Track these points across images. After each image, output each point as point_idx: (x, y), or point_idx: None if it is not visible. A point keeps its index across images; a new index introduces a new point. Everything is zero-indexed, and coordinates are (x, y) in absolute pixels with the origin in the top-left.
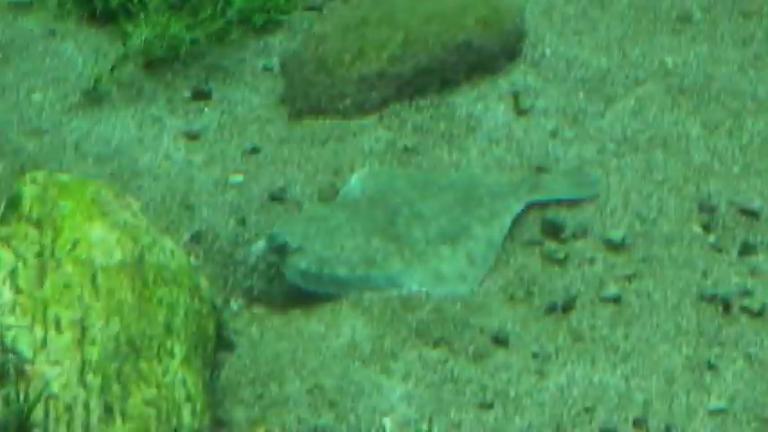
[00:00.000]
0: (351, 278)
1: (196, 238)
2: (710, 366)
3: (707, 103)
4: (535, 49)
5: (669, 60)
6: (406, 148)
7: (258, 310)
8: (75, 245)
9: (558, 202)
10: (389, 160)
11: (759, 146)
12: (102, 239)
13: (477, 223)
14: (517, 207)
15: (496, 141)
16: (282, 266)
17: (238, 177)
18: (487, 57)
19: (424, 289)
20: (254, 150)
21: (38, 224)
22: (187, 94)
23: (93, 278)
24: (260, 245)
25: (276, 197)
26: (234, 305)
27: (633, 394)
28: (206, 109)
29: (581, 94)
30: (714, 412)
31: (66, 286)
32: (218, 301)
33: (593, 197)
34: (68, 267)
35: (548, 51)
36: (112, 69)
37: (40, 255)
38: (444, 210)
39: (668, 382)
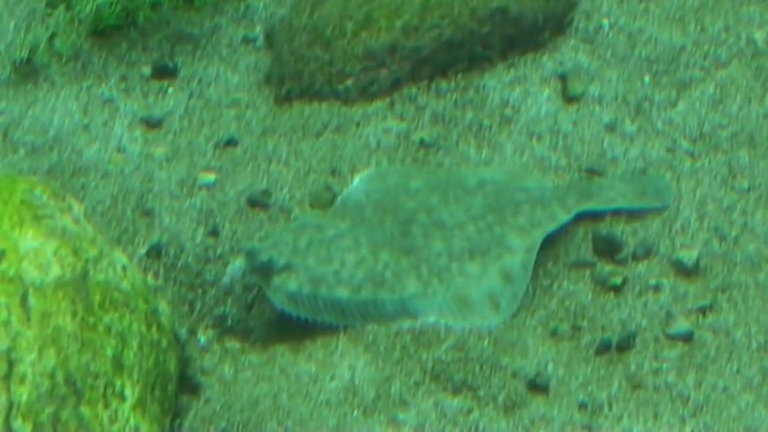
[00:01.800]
0: (353, 302)
1: (155, 251)
2: None
3: None
4: (589, 19)
5: (759, 37)
6: (422, 143)
7: (232, 343)
8: (0, 257)
9: (616, 213)
10: (402, 158)
11: None
12: (35, 251)
13: (513, 234)
14: (564, 217)
15: (538, 136)
16: (266, 289)
17: (210, 177)
18: (529, 28)
19: (443, 321)
20: (231, 143)
21: None
22: (146, 70)
23: (24, 299)
24: (237, 264)
25: (257, 202)
26: (202, 338)
27: None
28: (170, 89)
29: (646, 79)
30: None
31: None
32: (183, 332)
33: (660, 208)
34: None
35: (605, 23)
36: (51, 37)
37: None
38: (472, 217)
39: None
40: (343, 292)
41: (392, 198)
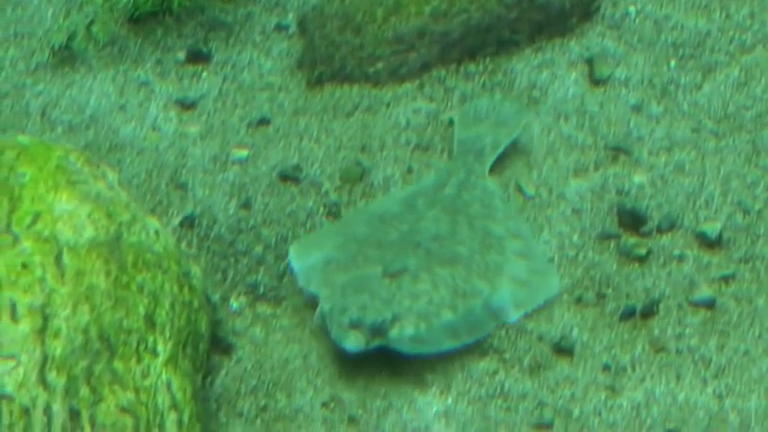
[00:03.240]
0: (460, 320)
1: (189, 222)
2: None
3: None
4: (616, 7)
5: None
6: (451, 123)
7: (264, 309)
8: (36, 218)
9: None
10: (430, 136)
11: None
12: (69, 213)
13: (491, 223)
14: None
15: (565, 116)
16: (388, 343)
17: (243, 152)
18: (556, 14)
19: (522, 311)
20: (263, 122)
21: None
22: (181, 55)
23: (58, 258)
24: (355, 338)
25: (288, 176)
26: (234, 304)
27: (728, 416)
28: (204, 74)
29: (672, 63)
30: None
31: (25, 266)
32: (215, 298)
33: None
34: (27, 244)
35: (631, 9)
36: (89, 24)
37: None
38: (450, 224)
39: None
40: (448, 315)
41: (375, 231)
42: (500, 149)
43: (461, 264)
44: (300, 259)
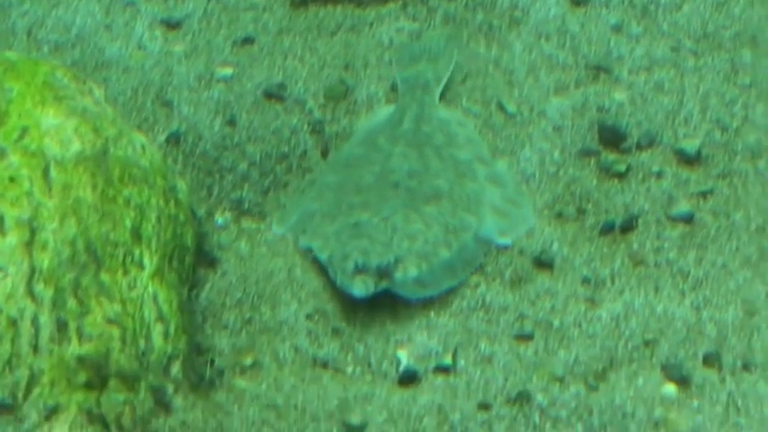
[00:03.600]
0: (455, 256)
1: (174, 138)
2: None
3: None
4: None
5: None
6: (440, 34)
7: (248, 223)
8: (23, 133)
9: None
10: (420, 45)
11: None
12: (56, 128)
13: (458, 150)
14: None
15: (546, 36)
16: (392, 286)
17: (227, 71)
18: None
19: (506, 240)
20: (248, 41)
21: None
22: None
23: (45, 172)
24: (363, 283)
25: (273, 94)
26: (219, 219)
27: (705, 327)
28: None
29: None
30: None
31: (12, 180)
32: (201, 213)
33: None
34: (15, 158)
35: None
36: None
37: None
38: (419, 159)
39: (748, 313)
40: (445, 253)
41: (347, 176)
42: (444, 80)
43: (445, 198)
44: (284, 222)
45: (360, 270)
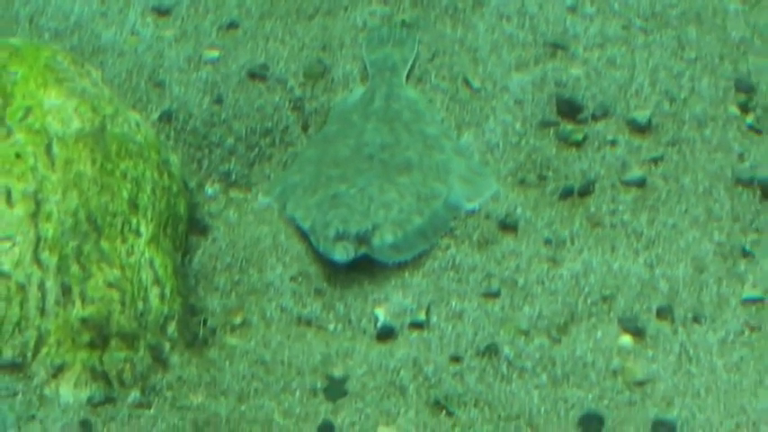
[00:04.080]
0: (427, 223)
1: (167, 116)
2: (745, 254)
3: None
4: None
5: None
6: (404, 23)
7: (236, 194)
8: (27, 112)
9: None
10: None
11: None
12: (57, 107)
13: (426, 125)
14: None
15: (507, 17)
16: (370, 252)
17: (214, 53)
18: None
19: (473, 205)
20: (232, 26)
21: None
22: None
23: (48, 148)
24: (343, 249)
25: (256, 74)
26: (209, 190)
27: (657, 282)
28: None
29: None
30: (748, 302)
31: (18, 156)
32: (192, 184)
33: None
34: (20, 136)
35: None
36: None
37: None
38: (389, 133)
39: (697, 269)
40: (417, 220)
41: (325, 150)
42: (409, 64)
43: (415, 168)
44: (269, 193)
45: (340, 237)
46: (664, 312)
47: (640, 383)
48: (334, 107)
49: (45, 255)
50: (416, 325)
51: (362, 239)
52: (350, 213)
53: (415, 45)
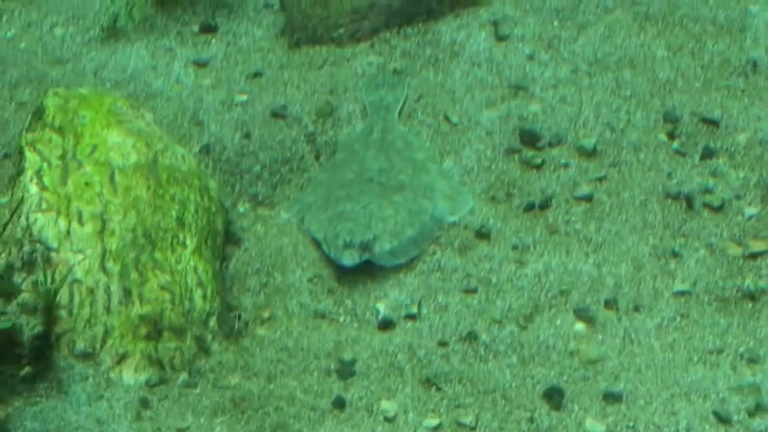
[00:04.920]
0: (418, 233)
1: (205, 149)
2: (675, 254)
3: (671, 28)
4: None
5: None
6: (395, 71)
7: (263, 211)
8: (94, 149)
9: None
10: (381, 78)
11: (719, 64)
12: (118, 144)
13: (416, 151)
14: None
15: (478, 64)
16: (372, 257)
17: (243, 97)
18: None
19: (454, 218)
20: (258, 75)
21: (60, 131)
22: (195, 28)
23: (112, 177)
24: (351, 255)
25: (278, 114)
26: (241, 208)
27: (605, 279)
28: (213, 41)
29: (555, 23)
30: (678, 294)
31: (88, 184)
32: (227, 204)
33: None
34: (89, 168)
35: None
36: (130, 10)
37: (62, 157)
38: (386, 160)
39: (636, 268)
40: (410, 231)
41: (334, 174)
42: (400, 104)
43: (407, 189)
44: (290, 210)
45: (347, 246)
46: (610, 303)
47: (593, 362)
48: (340, 139)
49: (110, 264)
50: (410, 317)
51: (365, 247)
52: (355, 226)
53: (405, 89)
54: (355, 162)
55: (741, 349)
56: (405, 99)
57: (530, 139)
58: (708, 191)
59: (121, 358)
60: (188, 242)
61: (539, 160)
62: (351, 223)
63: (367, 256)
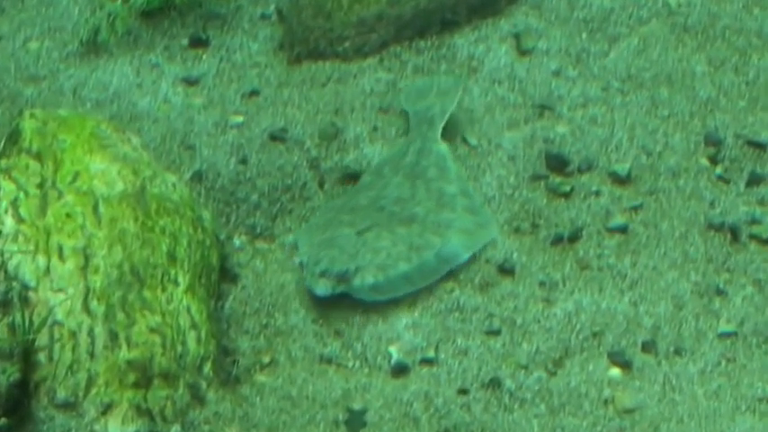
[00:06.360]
0: (413, 270)
1: (198, 176)
2: (719, 292)
3: (712, 41)
4: None
5: (671, 1)
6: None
7: (261, 245)
8: (76, 176)
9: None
10: (390, 100)
11: (765, 81)
12: (102, 171)
13: (445, 183)
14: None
15: (498, 81)
16: (351, 291)
17: (239, 119)
18: None
19: (470, 252)
20: (254, 93)
21: (38, 157)
22: (185, 41)
23: (95, 208)
24: (324, 285)
25: (276, 137)
26: (237, 241)
27: (642, 319)
28: (204, 56)
29: (584, 35)
30: (724, 335)
31: (69, 216)
32: (222, 237)
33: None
34: (70, 197)
35: None
36: (112, 22)
37: (41, 186)
38: (408, 188)
39: (677, 307)
40: (404, 266)
41: (350, 198)
42: (447, 115)
43: (417, 222)
44: (295, 233)
45: (323, 274)
46: (648, 346)
47: (629, 411)
48: (380, 157)
49: (94, 304)
50: (427, 361)
51: (342, 278)
52: (339, 254)
53: (458, 94)
54: (377, 187)
55: None
56: (455, 106)
57: (557, 164)
58: (755, 221)
59: (107, 408)
60: (180, 279)
61: (567, 188)
62: (336, 250)
63: (343, 287)
